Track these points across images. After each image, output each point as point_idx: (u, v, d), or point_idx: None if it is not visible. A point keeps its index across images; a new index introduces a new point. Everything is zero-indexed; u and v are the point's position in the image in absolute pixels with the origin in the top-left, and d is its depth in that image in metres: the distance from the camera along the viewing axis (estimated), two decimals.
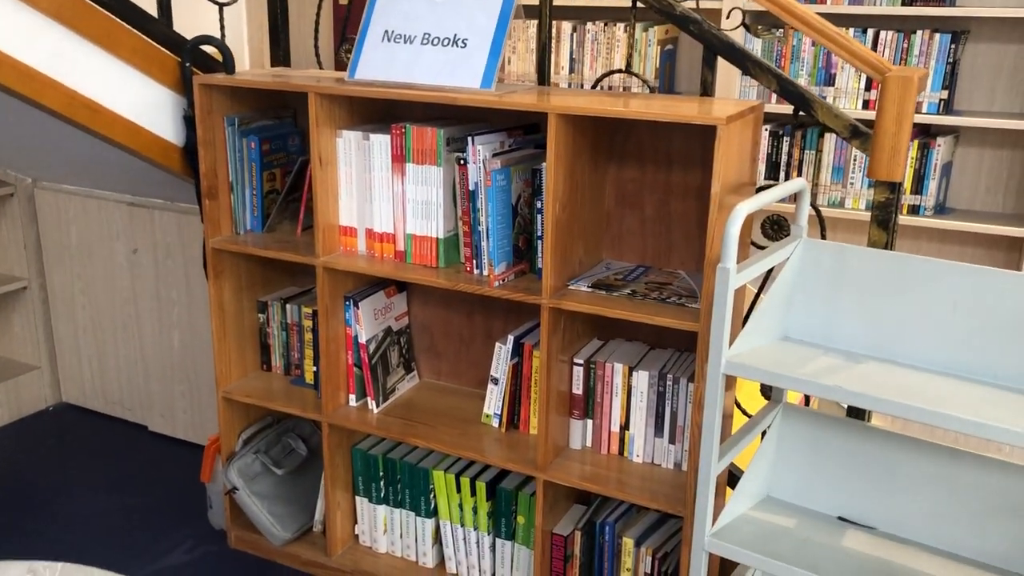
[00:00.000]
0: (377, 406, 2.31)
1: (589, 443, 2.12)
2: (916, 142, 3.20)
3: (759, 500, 1.88)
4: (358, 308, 2.23)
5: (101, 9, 2.09)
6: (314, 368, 2.41)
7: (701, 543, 1.71)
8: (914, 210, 3.27)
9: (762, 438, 1.88)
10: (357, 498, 2.41)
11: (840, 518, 1.83)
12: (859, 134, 1.86)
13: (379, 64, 2.03)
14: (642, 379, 2.02)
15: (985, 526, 1.70)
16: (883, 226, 1.85)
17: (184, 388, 3.04)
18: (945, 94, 3.18)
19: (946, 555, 1.72)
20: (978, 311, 1.65)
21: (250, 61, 4.39)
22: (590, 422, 2.10)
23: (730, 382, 1.99)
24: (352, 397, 2.32)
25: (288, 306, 2.45)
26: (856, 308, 1.76)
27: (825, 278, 1.79)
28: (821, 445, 1.85)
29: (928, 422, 1.47)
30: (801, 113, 1.92)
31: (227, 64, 2.26)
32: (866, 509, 1.81)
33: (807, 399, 2.56)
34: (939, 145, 3.19)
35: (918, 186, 3.25)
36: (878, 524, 1.80)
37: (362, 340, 2.25)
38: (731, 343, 1.65)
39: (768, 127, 3.43)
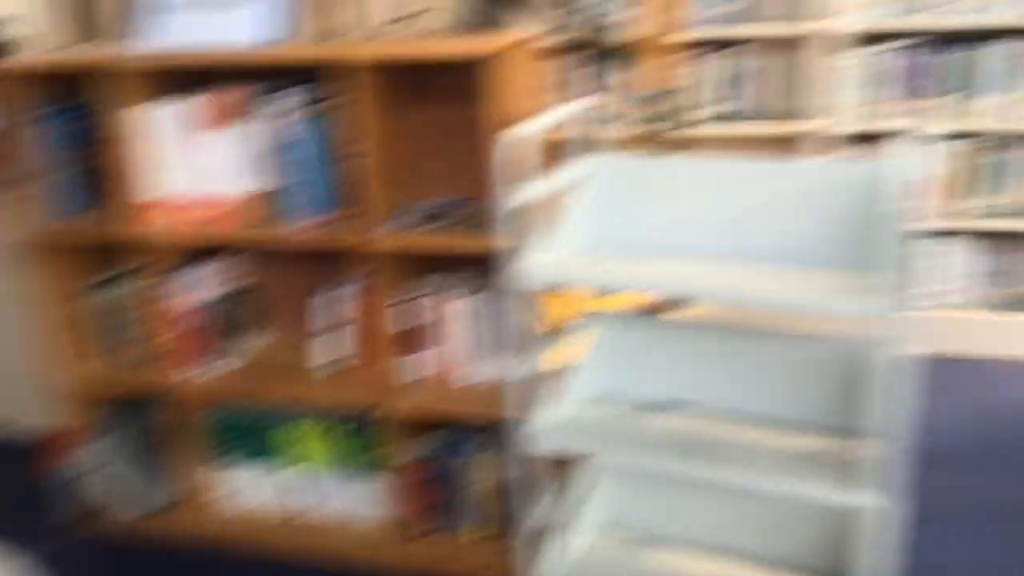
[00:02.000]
0: (222, 370, 2.35)
1: (422, 375, 2.25)
2: (699, 54, 3.43)
3: (582, 399, 2.05)
4: (187, 278, 2.26)
5: None
6: (150, 344, 2.42)
7: (528, 440, 1.86)
8: (700, 123, 3.51)
9: (578, 345, 2.05)
10: (213, 463, 2.46)
11: (657, 405, 2.02)
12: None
13: (162, 32, 2.05)
14: (462, 306, 2.15)
15: (794, 391, 1.92)
16: (659, 136, 2.03)
17: (9, 387, 2.98)
18: (735, 7, 3.39)
19: (763, 420, 1.93)
20: (747, 199, 1.84)
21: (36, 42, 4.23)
22: (421, 354, 2.22)
23: (539, 294, 2.14)
24: (196, 366, 2.36)
25: (114, 288, 2.44)
26: (648, 213, 1.93)
27: (617, 189, 1.95)
28: (633, 344, 2.03)
29: (721, 299, 1.65)
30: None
31: (9, 48, 2.22)
32: (685, 393, 2.01)
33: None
34: (722, 57, 3.43)
35: (705, 97, 3.49)
36: (698, 404, 2.00)
37: (197, 308, 2.28)
38: (533, 259, 1.80)
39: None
